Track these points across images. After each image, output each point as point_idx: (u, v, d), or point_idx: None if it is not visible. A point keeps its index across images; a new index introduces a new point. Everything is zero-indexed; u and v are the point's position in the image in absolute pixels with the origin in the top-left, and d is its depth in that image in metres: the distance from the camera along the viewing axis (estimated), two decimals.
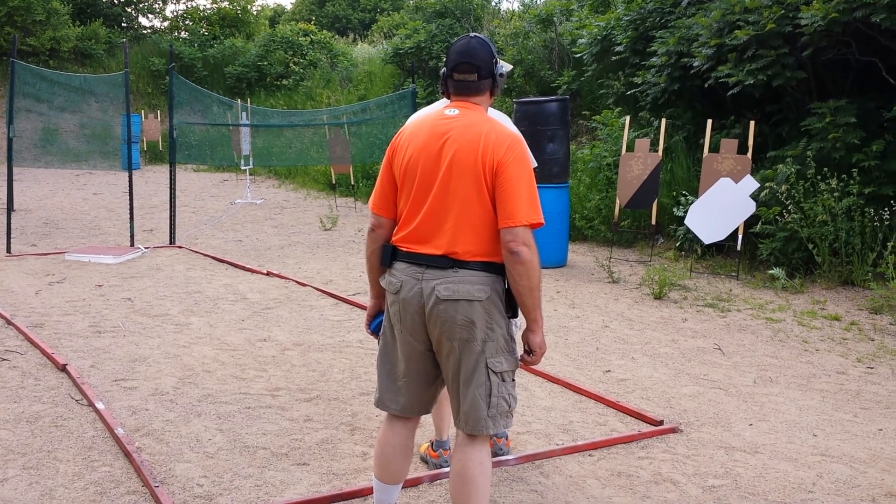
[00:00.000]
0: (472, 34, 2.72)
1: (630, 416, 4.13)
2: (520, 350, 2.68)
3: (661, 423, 4.00)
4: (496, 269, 2.55)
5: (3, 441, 3.62)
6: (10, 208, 9.10)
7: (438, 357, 2.63)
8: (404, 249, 2.62)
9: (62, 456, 3.49)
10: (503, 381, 2.58)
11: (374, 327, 2.88)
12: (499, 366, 2.56)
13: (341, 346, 5.34)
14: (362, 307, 6.41)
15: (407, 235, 2.61)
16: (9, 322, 5.64)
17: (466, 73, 2.62)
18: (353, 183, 14.46)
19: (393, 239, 2.68)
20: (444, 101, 3.32)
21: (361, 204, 14.05)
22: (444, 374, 2.65)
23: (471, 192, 2.50)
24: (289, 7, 40.19)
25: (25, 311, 6.02)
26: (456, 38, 2.77)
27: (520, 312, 2.64)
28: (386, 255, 2.67)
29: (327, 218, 11.64)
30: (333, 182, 14.66)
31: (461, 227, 2.52)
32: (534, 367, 3.02)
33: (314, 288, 7.10)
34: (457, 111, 2.62)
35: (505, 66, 2.72)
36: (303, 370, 4.78)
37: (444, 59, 2.70)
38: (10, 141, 8.96)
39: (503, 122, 3.36)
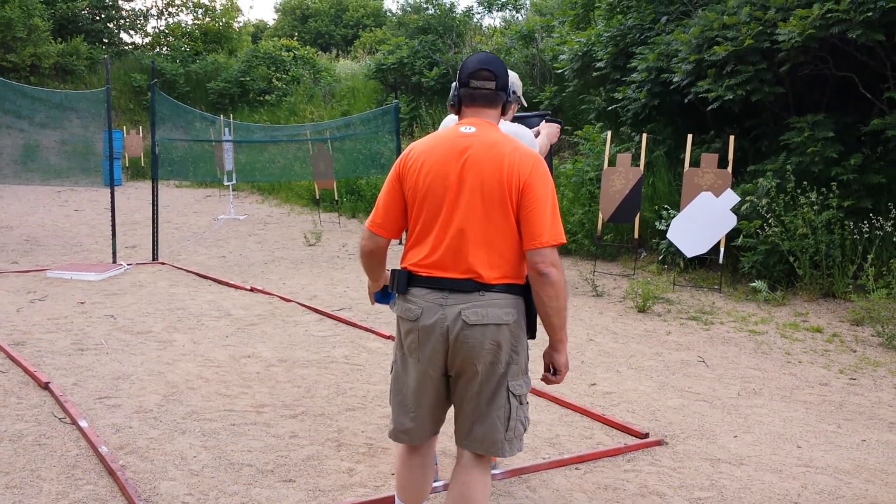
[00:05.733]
0: (486, 51, 2.69)
1: (616, 429, 4.14)
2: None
3: (646, 435, 4.01)
4: (519, 290, 2.50)
5: None
6: None
7: (456, 381, 2.55)
8: (423, 274, 2.50)
9: (45, 475, 3.45)
10: (521, 404, 2.55)
11: (379, 299, 2.82)
12: (519, 389, 2.52)
13: (326, 361, 5.32)
14: (347, 322, 6.41)
15: (425, 258, 2.50)
16: None
17: (485, 80, 2.53)
18: (336, 198, 14.45)
19: (408, 262, 2.56)
20: (453, 118, 3.27)
21: (346, 219, 14.05)
22: (457, 396, 2.57)
23: (496, 213, 2.43)
24: (271, 23, 40.24)
25: (7, 329, 5.95)
26: (468, 55, 2.71)
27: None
28: (402, 282, 2.54)
29: (311, 233, 11.62)
30: (317, 197, 14.65)
31: (486, 249, 2.44)
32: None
33: (299, 303, 7.08)
34: (473, 129, 2.52)
35: (517, 84, 2.66)
36: (288, 386, 4.76)
37: (458, 74, 2.62)
38: None
39: (525, 136, 3.32)
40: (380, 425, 4.12)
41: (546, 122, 3.70)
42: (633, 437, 4.01)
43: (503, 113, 2.65)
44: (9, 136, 14.39)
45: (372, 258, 2.68)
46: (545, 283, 2.40)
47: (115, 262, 9.07)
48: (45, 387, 4.55)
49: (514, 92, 2.61)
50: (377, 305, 7.01)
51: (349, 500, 3.24)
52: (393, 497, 3.18)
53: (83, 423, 3.96)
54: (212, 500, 3.24)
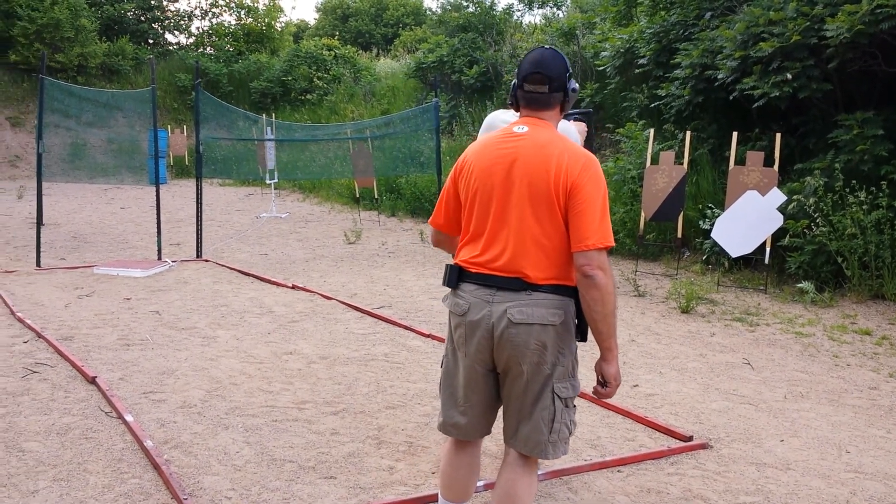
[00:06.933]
0: (546, 46, 2.62)
1: (659, 431, 4.09)
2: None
3: (690, 438, 3.96)
4: (568, 291, 2.48)
5: (34, 453, 3.65)
6: (39, 222, 9.22)
7: (503, 379, 2.55)
8: (473, 271, 2.53)
9: (92, 468, 3.51)
10: (566, 407, 2.52)
11: None
12: (564, 392, 2.50)
13: (367, 359, 5.34)
14: (387, 321, 6.42)
15: (476, 256, 2.53)
16: (39, 335, 5.70)
17: (537, 85, 2.52)
18: (376, 196, 14.51)
19: (460, 259, 2.60)
20: (511, 112, 3.25)
21: (385, 217, 14.10)
22: (504, 393, 2.58)
23: (543, 213, 2.43)
24: (312, 22, 40.61)
25: (55, 325, 6.09)
26: (529, 50, 2.66)
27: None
28: (452, 277, 2.58)
29: (351, 231, 11.69)
30: (357, 196, 14.73)
31: (534, 249, 2.44)
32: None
33: (339, 301, 7.12)
34: (526, 128, 2.52)
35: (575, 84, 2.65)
36: (329, 383, 4.78)
37: (516, 70, 2.60)
38: (39, 156, 9.10)
39: (572, 132, 3.24)
40: (419, 423, 4.12)
41: (573, 120, 3.63)
42: (677, 440, 3.95)
43: (562, 110, 2.62)
44: (57, 135, 14.76)
45: (441, 247, 2.85)
46: (591, 285, 2.37)
47: (160, 259, 9.23)
48: (92, 381, 4.64)
49: (573, 90, 2.56)
50: (417, 303, 7.02)
51: (390, 499, 3.24)
52: (434, 496, 3.18)
53: (129, 418, 4.03)
54: (254, 495, 3.27)
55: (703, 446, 3.90)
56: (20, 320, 6.14)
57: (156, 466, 3.49)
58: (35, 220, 9.33)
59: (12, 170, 22.08)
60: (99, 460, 3.59)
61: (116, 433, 3.91)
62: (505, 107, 3.55)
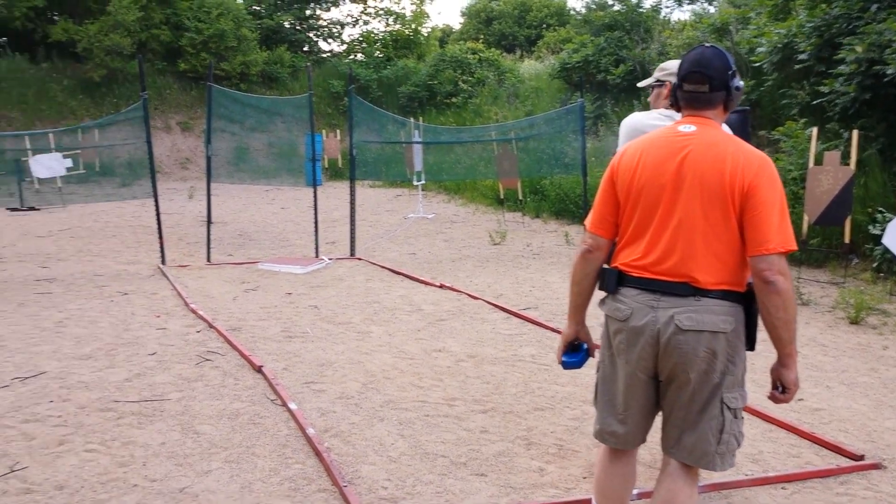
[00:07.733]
0: (706, 44, 2.52)
1: (826, 448, 3.85)
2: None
3: (861, 457, 3.71)
4: (738, 298, 2.38)
5: (208, 435, 3.93)
6: (209, 221, 9.89)
7: (667, 386, 2.47)
8: (635, 275, 2.44)
9: (259, 452, 3.74)
10: (735, 417, 2.43)
11: (569, 361, 2.71)
12: (734, 402, 2.41)
13: (514, 359, 5.37)
14: (534, 322, 6.41)
15: (638, 259, 2.44)
16: (210, 325, 6.13)
17: (697, 84, 2.44)
18: (520, 198, 14.52)
19: (619, 262, 2.51)
20: (654, 113, 3.19)
21: (529, 219, 14.09)
22: (667, 402, 2.49)
23: (716, 215, 2.32)
24: (457, 27, 41.17)
25: (225, 316, 6.52)
26: (690, 49, 2.60)
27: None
28: (611, 281, 2.50)
29: (496, 232, 11.76)
30: (501, 197, 14.80)
31: (704, 252, 2.34)
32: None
33: (486, 301, 7.18)
34: (694, 127, 2.44)
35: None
36: (477, 382, 4.85)
37: (677, 70, 2.55)
38: (208, 159, 9.76)
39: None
40: (569, 427, 4.10)
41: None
42: (847, 459, 3.71)
43: (726, 109, 2.52)
44: (223, 139, 15.72)
45: (588, 257, 2.57)
46: (772, 291, 2.27)
47: (317, 256, 9.66)
48: (259, 370, 4.94)
49: (737, 88, 2.47)
50: (563, 306, 6.96)
51: (541, 500, 3.25)
52: (585, 501, 3.16)
53: (292, 406, 4.25)
54: (409, 486, 3.37)
55: (876, 466, 3.65)
56: (193, 311, 6.63)
57: (317, 453, 3.66)
58: (205, 219, 10.01)
59: (183, 171, 23.83)
60: (266, 445, 3.82)
61: (281, 420, 4.14)
62: (646, 109, 3.47)
